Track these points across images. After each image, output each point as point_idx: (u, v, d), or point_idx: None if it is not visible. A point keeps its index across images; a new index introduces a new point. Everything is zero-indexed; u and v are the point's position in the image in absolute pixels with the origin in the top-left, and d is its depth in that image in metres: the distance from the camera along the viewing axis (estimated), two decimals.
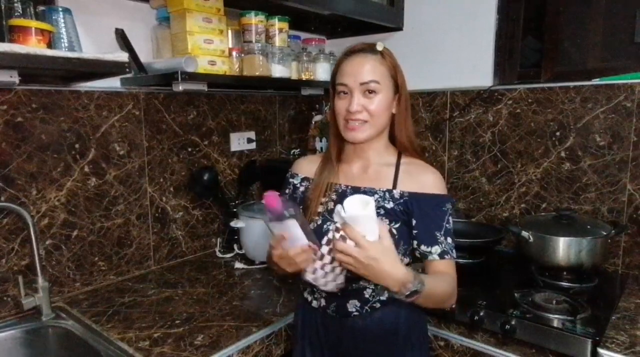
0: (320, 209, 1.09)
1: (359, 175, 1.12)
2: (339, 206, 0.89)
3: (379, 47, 1.06)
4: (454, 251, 1.06)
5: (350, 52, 1.08)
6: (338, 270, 0.98)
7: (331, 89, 1.12)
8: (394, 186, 1.07)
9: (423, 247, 1.04)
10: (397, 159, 1.11)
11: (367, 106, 1.04)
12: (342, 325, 1.08)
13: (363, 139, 1.06)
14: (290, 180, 1.21)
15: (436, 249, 1.03)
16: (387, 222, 1.04)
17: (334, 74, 1.10)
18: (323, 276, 0.98)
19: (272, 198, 0.90)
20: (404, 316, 1.08)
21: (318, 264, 0.97)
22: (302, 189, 1.18)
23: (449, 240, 1.05)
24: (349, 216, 0.86)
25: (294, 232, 0.93)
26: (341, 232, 0.88)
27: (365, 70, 1.03)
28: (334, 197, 1.10)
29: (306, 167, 1.20)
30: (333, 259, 0.95)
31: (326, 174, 1.12)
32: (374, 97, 1.04)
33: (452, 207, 1.07)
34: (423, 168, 1.10)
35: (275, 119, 2.09)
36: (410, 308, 1.09)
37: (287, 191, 1.20)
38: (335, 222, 0.92)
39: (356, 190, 1.09)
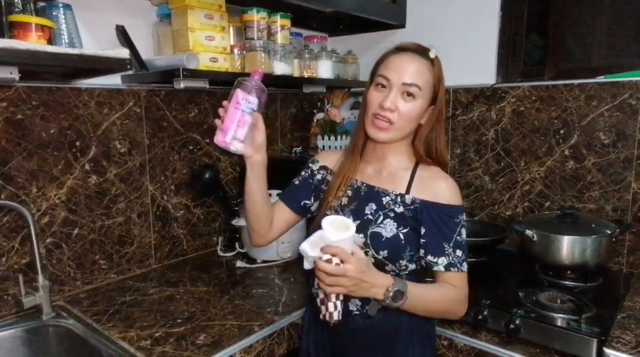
0: (334, 203, 1.10)
1: (374, 175, 1.11)
2: (318, 233, 0.89)
3: (432, 55, 1.04)
4: (463, 264, 1.02)
5: (402, 49, 1.05)
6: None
7: (369, 79, 1.09)
8: (407, 191, 1.06)
9: (429, 257, 1.02)
10: (414, 166, 1.09)
11: (400, 108, 1.01)
12: (344, 324, 1.07)
13: (385, 139, 1.05)
14: (310, 165, 1.21)
15: (442, 261, 1.01)
16: (395, 226, 1.02)
17: (378, 64, 1.07)
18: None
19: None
20: (406, 317, 1.06)
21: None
22: (318, 176, 1.18)
23: (459, 252, 1.02)
24: (337, 240, 0.87)
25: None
26: (325, 256, 0.88)
27: (412, 70, 1.01)
28: (349, 193, 1.10)
29: (327, 157, 1.21)
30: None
31: (346, 168, 1.12)
32: (410, 101, 1.01)
33: (464, 218, 1.05)
34: (438, 176, 1.08)
35: (276, 116, 2.08)
36: None
37: (302, 173, 1.21)
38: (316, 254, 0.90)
39: (370, 188, 1.09)
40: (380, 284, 0.92)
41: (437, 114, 1.07)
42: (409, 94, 1.01)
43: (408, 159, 1.11)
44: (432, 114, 1.07)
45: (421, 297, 0.98)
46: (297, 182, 1.21)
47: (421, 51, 1.04)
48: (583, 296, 1.32)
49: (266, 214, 1.13)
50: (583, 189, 1.61)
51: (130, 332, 1.18)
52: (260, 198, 1.09)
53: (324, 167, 1.19)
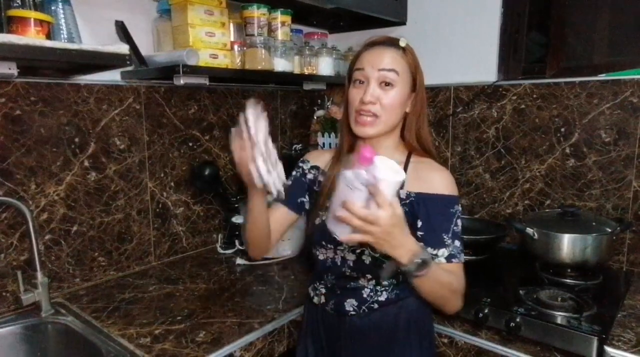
0: (327, 203, 1.08)
1: None
2: (357, 171, 0.80)
3: (402, 43, 1.03)
4: (462, 255, 1.02)
5: (373, 43, 1.05)
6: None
7: (347, 79, 1.09)
8: (401, 186, 1.05)
9: (429, 250, 1.01)
10: (406, 158, 1.08)
11: (381, 99, 1.01)
12: (340, 323, 1.07)
13: (372, 134, 1.04)
14: (300, 164, 1.20)
15: (443, 252, 1.00)
16: None
17: (352, 63, 1.07)
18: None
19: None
20: (404, 319, 1.06)
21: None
22: (310, 176, 1.17)
23: (457, 243, 1.02)
24: (382, 178, 0.78)
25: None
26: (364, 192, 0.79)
27: (386, 59, 1.01)
28: None
29: (318, 157, 1.20)
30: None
31: (336, 169, 1.10)
32: (390, 89, 1.01)
33: (460, 209, 1.04)
34: (432, 167, 1.07)
35: (277, 113, 2.07)
36: (411, 310, 1.07)
37: (294, 173, 1.20)
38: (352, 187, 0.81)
39: None
40: (408, 247, 0.87)
41: (420, 100, 1.07)
42: (388, 84, 1.01)
43: (399, 152, 1.10)
44: (416, 101, 1.07)
45: (436, 274, 0.94)
46: (289, 181, 1.20)
47: (391, 42, 1.04)
48: (584, 294, 1.32)
49: (268, 230, 1.11)
50: (584, 187, 1.60)
51: (129, 330, 1.17)
52: (266, 217, 1.08)
53: (315, 167, 1.18)
